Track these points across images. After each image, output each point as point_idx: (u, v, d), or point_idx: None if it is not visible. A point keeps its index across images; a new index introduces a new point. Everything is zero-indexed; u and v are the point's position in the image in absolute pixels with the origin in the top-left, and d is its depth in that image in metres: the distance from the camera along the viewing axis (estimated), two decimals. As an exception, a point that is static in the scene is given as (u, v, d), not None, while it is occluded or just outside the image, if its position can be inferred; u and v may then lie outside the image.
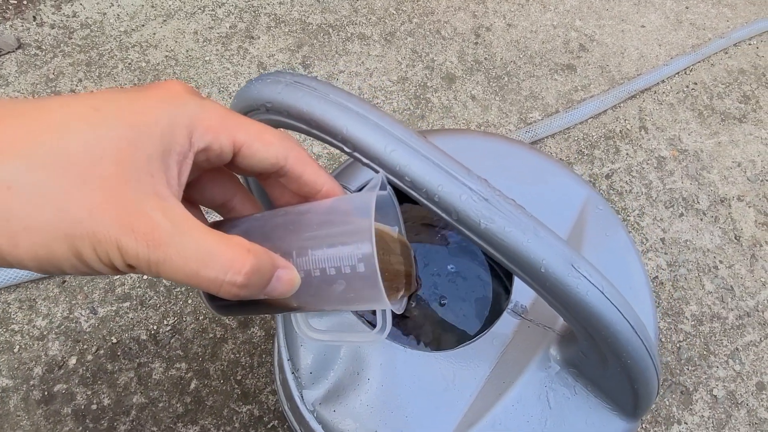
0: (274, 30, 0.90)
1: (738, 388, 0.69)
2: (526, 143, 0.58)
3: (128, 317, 0.65)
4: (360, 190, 0.43)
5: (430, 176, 0.27)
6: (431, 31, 0.94)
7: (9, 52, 0.81)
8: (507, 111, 0.87)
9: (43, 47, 0.82)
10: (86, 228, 0.20)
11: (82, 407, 0.60)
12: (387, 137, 0.27)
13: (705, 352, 0.71)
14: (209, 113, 0.23)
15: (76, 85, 0.80)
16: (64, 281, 0.66)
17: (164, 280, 0.67)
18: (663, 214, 0.80)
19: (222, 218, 0.30)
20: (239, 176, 0.30)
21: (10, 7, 0.85)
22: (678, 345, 0.71)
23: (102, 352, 0.63)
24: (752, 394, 0.69)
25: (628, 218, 0.80)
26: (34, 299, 0.65)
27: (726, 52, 0.99)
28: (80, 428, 0.59)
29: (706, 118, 0.91)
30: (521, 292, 0.40)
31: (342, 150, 0.29)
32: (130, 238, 0.20)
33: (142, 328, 0.65)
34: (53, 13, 0.86)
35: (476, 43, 0.94)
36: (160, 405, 0.61)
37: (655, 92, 0.93)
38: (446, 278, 0.49)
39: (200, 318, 0.66)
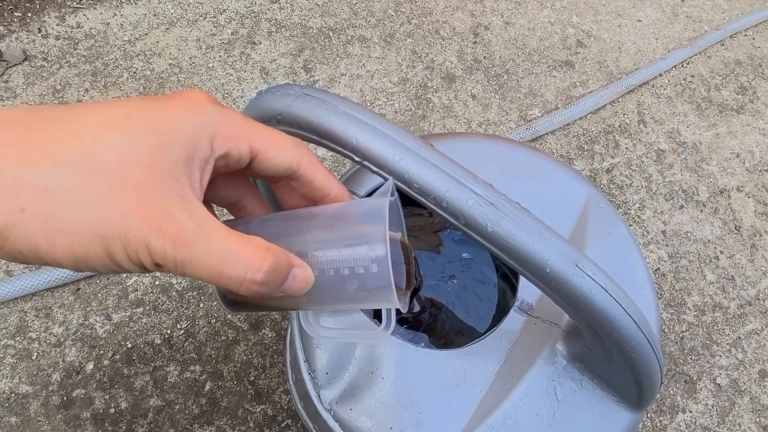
0: (275, 35, 0.91)
1: (741, 376, 0.70)
2: (528, 144, 0.59)
3: (142, 322, 0.66)
4: (368, 195, 0.45)
5: (438, 183, 0.28)
6: (430, 32, 0.95)
7: (16, 64, 0.82)
8: (507, 109, 0.88)
9: (49, 58, 0.84)
10: (119, 229, 0.21)
11: (101, 411, 0.61)
12: (395, 146, 0.28)
13: (708, 342, 0.72)
14: (229, 121, 0.25)
15: (83, 95, 0.81)
16: (79, 289, 0.68)
17: (176, 286, 0.69)
18: (663, 207, 0.82)
19: (233, 217, 0.31)
20: (251, 178, 0.32)
21: (15, 19, 0.86)
22: (681, 335, 0.72)
23: (118, 357, 0.64)
24: (755, 381, 0.70)
25: (629, 212, 0.81)
26: (50, 307, 0.66)
27: (722, 44, 1.00)
28: (100, 431, 0.60)
29: (704, 110, 0.92)
30: (527, 290, 0.42)
31: (352, 159, 0.30)
32: (159, 238, 0.21)
33: (156, 332, 0.66)
34: (58, 25, 0.87)
35: (475, 43, 0.95)
36: (177, 407, 0.62)
37: (653, 86, 0.94)
38: (455, 278, 0.50)
39: (212, 321, 0.67)
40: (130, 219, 0.21)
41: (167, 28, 0.89)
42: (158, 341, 0.66)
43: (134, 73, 0.84)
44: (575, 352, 0.38)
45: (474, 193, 0.28)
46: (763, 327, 0.74)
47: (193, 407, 0.62)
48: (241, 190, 0.30)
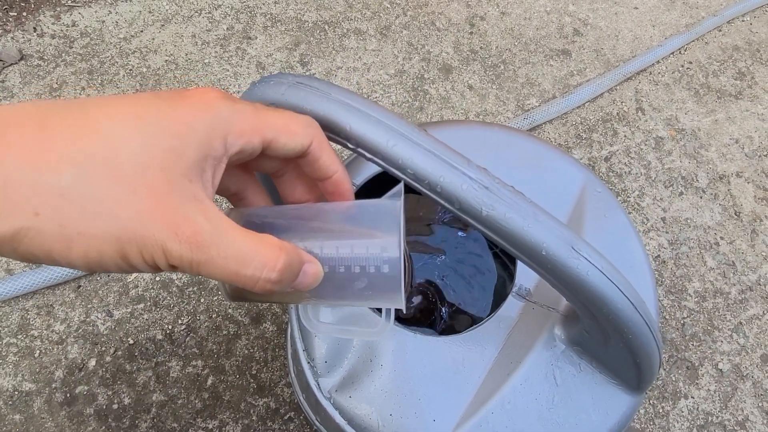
0: (270, 29, 0.91)
1: (743, 361, 0.70)
2: (524, 131, 0.59)
3: (143, 318, 0.67)
4: (364, 184, 0.45)
5: (432, 168, 0.28)
6: (426, 23, 0.95)
7: (12, 63, 0.82)
8: (504, 99, 0.88)
9: (45, 57, 0.84)
10: (135, 233, 0.21)
11: (104, 407, 0.62)
12: (389, 132, 0.28)
13: (709, 328, 0.72)
14: (241, 117, 0.25)
15: (80, 94, 0.81)
16: (79, 286, 0.68)
17: (176, 281, 0.69)
18: (663, 194, 0.81)
19: (232, 207, 0.31)
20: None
21: (11, 19, 0.86)
22: (682, 321, 0.72)
23: (120, 353, 0.65)
24: (757, 366, 0.70)
25: (628, 199, 0.81)
26: (51, 305, 0.67)
27: (720, 30, 1.00)
28: (103, 427, 0.61)
29: (702, 96, 0.92)
30: (524, 276, 0.42)
31: (345, 146, 0.30)
32: (175, 241, 0.21)
33: (158, 328, 0.66)
34: (53, 24, 0.87)
35: (471, 33, 0.95)
36: (179, 402, 0.63)
37: (651, 73, 0.93)
38: (453, 267, 0.50)
39: (213, 316, 0.67)
40: (147, 223, 0.21)
41: (162, 25, 0.89)
42: (160, 337, 0.66)
43: (130, 70, 0.84)
44: (573, 336, 0.38)
45: (468, 177, 0.28)
46: (765, 312, 0.74)
47: (196, 402, 0.63)
48: (242, 180, 0.30)
